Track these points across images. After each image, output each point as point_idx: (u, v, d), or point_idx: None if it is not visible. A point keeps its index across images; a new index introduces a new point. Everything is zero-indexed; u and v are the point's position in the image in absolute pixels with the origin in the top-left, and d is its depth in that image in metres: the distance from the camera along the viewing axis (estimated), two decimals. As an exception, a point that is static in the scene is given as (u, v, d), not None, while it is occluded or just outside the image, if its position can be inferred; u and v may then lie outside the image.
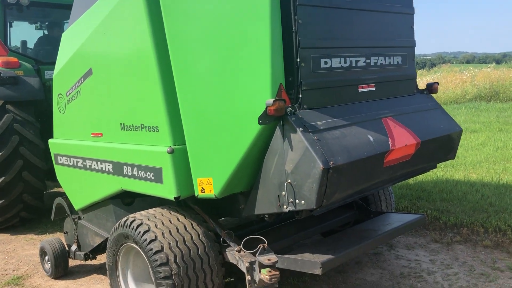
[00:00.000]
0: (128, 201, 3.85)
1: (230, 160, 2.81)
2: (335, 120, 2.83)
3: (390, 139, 2.98)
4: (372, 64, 3.25)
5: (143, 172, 3.28)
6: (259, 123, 2.59)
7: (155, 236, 3.06)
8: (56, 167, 4.41)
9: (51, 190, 7.71)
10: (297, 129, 2.60)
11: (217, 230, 3.33)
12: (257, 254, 2.84)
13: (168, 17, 2.99)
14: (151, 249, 3.03)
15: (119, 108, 3.45)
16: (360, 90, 3.16)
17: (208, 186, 2.95)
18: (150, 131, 3.20)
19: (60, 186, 7.81)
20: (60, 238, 4.67)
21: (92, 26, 3.60)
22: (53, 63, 6.60)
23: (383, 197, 4.56)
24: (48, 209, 6.81)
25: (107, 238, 3.95)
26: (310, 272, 2.96)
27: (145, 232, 3.09)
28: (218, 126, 2.86)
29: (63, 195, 4.56)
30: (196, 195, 3.03)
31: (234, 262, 3.17)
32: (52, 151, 4.43)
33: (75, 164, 4.05)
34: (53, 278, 4.51)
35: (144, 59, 3.11)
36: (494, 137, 9.41)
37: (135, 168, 3.35)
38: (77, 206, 4.24)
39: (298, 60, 2.73)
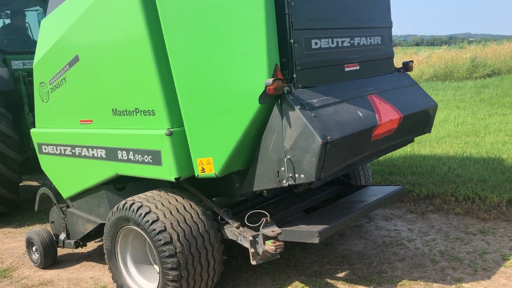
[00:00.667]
0: (120, 186, 3.88)
1: (230, 140, 2.92)
2: (327, 98, 2.98)
3: (377, 115, 3.17)
4: (355, 44, 3.41)
5: (140, 155, 3.33)
6: (260, 103, 2.70)
7: (157, 217, 3.14)
8: (40, 156, 4.36)
9: (28, 183, 7.54)
10: (295, 107, 2.73)
11: (215, 209, 3.45)
12: (260, 227, 2.98)
13: (161, 0, 3.03)
14: (154, 229, 3.10)
15: (111, 94, 3.47)
16: (346, 69, 3.33)
17: (208, 166, 3.05)
18: (145, 115, 3.24)
19: (35, 179, 7.72)
20: (46, 228, 4.64)
21: (77, 12, 3.57)
22: (19, 53, 6.49)
23: (362, 172, 4.80)
24: (24, 201, 6.71)
25: (100, 223, 4.00)
26: (307, 242, 3.14)
27: (146, 213, 3.16)
28: (216, 107, 2.95)
29: (38, 188, 4.52)
30: (196, 175, 3.13)
31: (234, 238, 3.29)
32: (35, 140, 4.37)
33: (63, 152, 4.03)
34: (42, 268, 4.49)
35: (137, 43, 3.13)
36: (453, 114, 9.92)
37: (131, 152, 3.39)
38: (65, 194, 4.22)
39: (291, 41, 2.85)
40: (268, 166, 2.93)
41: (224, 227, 3.37)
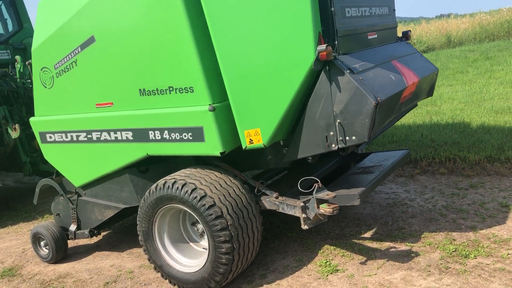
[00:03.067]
0: (144, 168, 3.83)
1: (277, 109, 2.99)
2: (364, 63, 3.14)
3: (404, 78, 3.39)
4: (373, 14, 3.60)
5: (177, 134, 3.30)
6: (314, 69, 2.78)
7: (205, 193, 3.16)
8: (44, 146, 4.16)
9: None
10: (345, 71, 2.84)
11: (250, 182, 3.52)
12: (314, 192, 3.11)
13: None
14: (204, 205, 3.13)
15: (137, 74, 3.39)
16: (369, 37, 3.50)
17: (256, 136, 3.11)
18: (182, 92, 3.22)
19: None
20: (53, 221, 4.45)
21: (91, -8, 3.44)
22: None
23: (358, 141, 5.06)
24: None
25: (123, 208, 3.93)
26: (349, 204, 3.32)
27: (193, 190, 3.18)
28: (262, 78, 3.00)
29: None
30: (244, 147, 3.18)
31: (274, 208, 3.40)
32: (37, 130, 4.16)
33: (75, 139, 3.88)
34: (53, 262, 4.32)
35: (173, 19, 3.08)
36: (404, 87, 10.54)
37: (166, 132, 3.36)
38: (78, 183, 4.08)
39: (332, 9, 2.96)
40: (316, 132, 3.04)
41: (261, 198, 3.46)
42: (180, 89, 3.24)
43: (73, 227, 4.26)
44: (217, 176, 3.36)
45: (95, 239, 4.78)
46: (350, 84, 2.84)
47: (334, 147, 3.00)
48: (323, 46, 2.76)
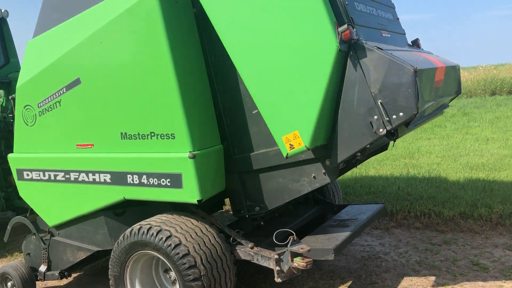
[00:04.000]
0: (120, 211, 3.80)
1: (312, 105, 2.83)
2: (389, 46, 3.10)
3: (431, 61, 3.31)
4: (380, 15, 3.61)
5: (155, 179, 3.32)
6: (341, 49, 2.71)
7: (179, 241, 3.15)
8: (20, 183, 4.12)
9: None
10: (373, 48, 2.77)
11: (226, 231, 3.53)
12: (288, 245, 3.12)
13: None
14: (178, 254, 3.12)
15: (120, 118, 3.44)
16: (383, 35, 3.48)
17: (296, 140, 2.92)
18: (163, 138, 3.27)
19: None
20: (21, 261, 4.33)
21: (80, 36, 3.52)
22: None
23: (336, 193, 5.13)
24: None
25: (96, 251, 3.87)
26: (323, 259, 3.33)
27: (168, 237, 3.16)
28: (289, 77, 2.89)
29: None
30: (285, 156, 2.98)
31: (248, 258, 3.40)
32: (14, 166, 4.13)
33: (53, 178, 3.86)
34: (19, 304, 4.18)
35: (158, 67, 3.16)
36: (384, 138, 10.78)
37: (144, 176, 3.37)
38: (52, 222, 4.02)
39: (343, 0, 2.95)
40: (358, 121, 2.85)
41: (237, 248, 3.46)
42: (162, 135, 3.28)
43: (43, 268, 4.15)
44: (193, 224, 3.36)
45: (64, 281, 4.65)
46: (382, 59, 2.73)
47: (382, 131, 2.78)
48: (343, 26, 2.72)
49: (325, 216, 4.65)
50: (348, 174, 7.80)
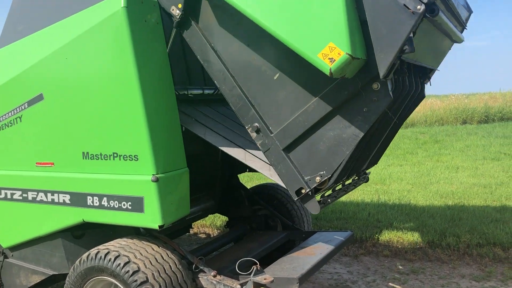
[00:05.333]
0: (79, 233, 3.65)
1: (336, 7, 2.56)
2: None
3: None
4: None
5: (116, 202, 3.20)
6: None
7: (138, 267, 3.02)
8: (-27, 201, 3.91)
9: None
10: None
11: (189, 257, 3.41)
12: (251, 275, 3.03)
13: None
14: (135, 281, 2.98)
15: (82, 136, 3.32)
16: None
17: (334, 51, 2.62)
18: (126, 159, 3.16)
19: None
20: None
21: (44, 51, 3.41)
22: None
23: (305, 218, 5.07)
24: None
25: (51, 275, 3.69)
26: (286, 289, 3.24)
27: (126, 263, 3.03)
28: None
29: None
30: (329, 72, 2.60)
31: (210, 287, 3.28)
32: (-32, 183, 3.93)
33: (9, 197, 3.69)
34: (-35, 330, 3.93)
35: (123, 87, 3.07)
36: (357, 163, 10.84)
37: (104, 198, 3.24)
38: (6, 243, 3.82)
39: None
40: (390, 11, 2.55)
41: (199, 276, 3.34)
42: (125, 156, 3.17)
43: (-6, 291, 3.94)
44: (154, 250, 3.23)
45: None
46: None
47: (419, 8, 2.47)
48: None
49: (293, 243, 4.58)
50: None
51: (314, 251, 3.93)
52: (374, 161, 4.20)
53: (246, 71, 3.05)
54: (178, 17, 3.05)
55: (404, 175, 9.39)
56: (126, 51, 3.03)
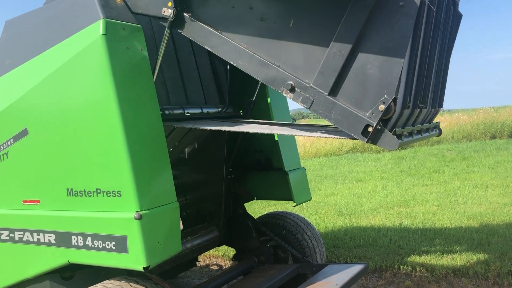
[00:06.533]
0: (68, 275, 3.44)
1: None
2: None
3: None
4: None
5: (100, 241, 2.98)
6: None
7: (122, 313, 2.78)
8: (-40, 241, 3.77)
9: None
10: None
11: (182, 299, 3.15)
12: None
13: None
14: (119, 328, 2.73)
15: (66, 172, 3.14)
16: None
17: None
18: (109, 196, 2.96)
19: None
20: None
21: (28, 84, 3.29)
22: None
23: (318, 249, 4.75)
24: None
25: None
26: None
27: (110, 309, 2.79)
28: None
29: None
30: None
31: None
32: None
33: (-4, 237, 3.53)
34: None
35: (104, 119, 2.91)
36: (380, 185, 10.41)
37: (89, 238, 3.03)
38: (-6, 286, 3.65)
39: None
40: None
41: (195, 318, 3.08)
42: (108, 192, 2.97)
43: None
44: (142, 292, 2.99)
45: None
46: None
47: None
48: None
49: (305, 276, 4.27)
50: (339, 223, 7.42)
51: (325, 286, 3.62)
52: (439, 98, 3.51)
53: (258, 35, 2.86)
54: (171, 15, 2.97)
55: (429, 196, 8.91)
56: (105, 81, 2.87)
